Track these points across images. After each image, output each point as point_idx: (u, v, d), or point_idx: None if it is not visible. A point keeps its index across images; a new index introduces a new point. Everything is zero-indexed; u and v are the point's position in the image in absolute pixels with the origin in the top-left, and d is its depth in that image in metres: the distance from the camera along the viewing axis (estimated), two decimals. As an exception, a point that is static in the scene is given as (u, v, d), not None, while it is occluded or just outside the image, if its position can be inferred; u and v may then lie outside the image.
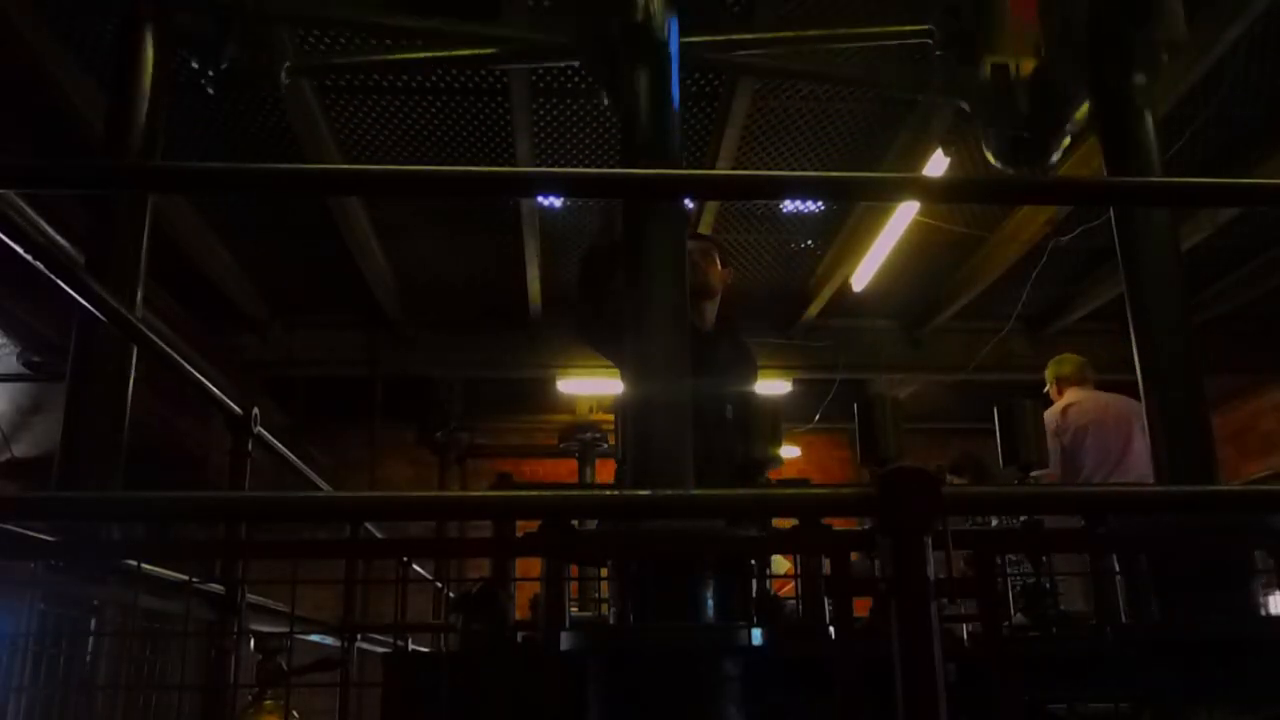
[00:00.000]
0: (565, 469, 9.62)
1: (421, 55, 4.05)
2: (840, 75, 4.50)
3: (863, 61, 4.95)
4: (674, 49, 2.59)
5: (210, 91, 3.41)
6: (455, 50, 3.91)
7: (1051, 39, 3.03)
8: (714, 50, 3.80)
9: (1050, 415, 4.83)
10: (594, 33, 2.78)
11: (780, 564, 3.39)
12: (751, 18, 4.39)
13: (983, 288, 7.27)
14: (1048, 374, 5.31)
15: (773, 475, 2.59)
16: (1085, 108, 2.95)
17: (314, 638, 3.92)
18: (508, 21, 4.08)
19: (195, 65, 3.29)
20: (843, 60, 4.82)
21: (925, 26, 3.56)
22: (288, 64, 3.56)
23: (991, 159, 3.25)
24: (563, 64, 4.95)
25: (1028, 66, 3.08)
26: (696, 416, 2.49)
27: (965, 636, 2.36)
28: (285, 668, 2.65)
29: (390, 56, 4.28)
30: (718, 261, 3.86)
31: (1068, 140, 3.14)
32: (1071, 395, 5.09)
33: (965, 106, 3.41)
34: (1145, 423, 5.29)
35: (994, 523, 3.69)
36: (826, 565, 1.73)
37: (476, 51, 3.83)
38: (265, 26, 3.38)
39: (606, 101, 2.91)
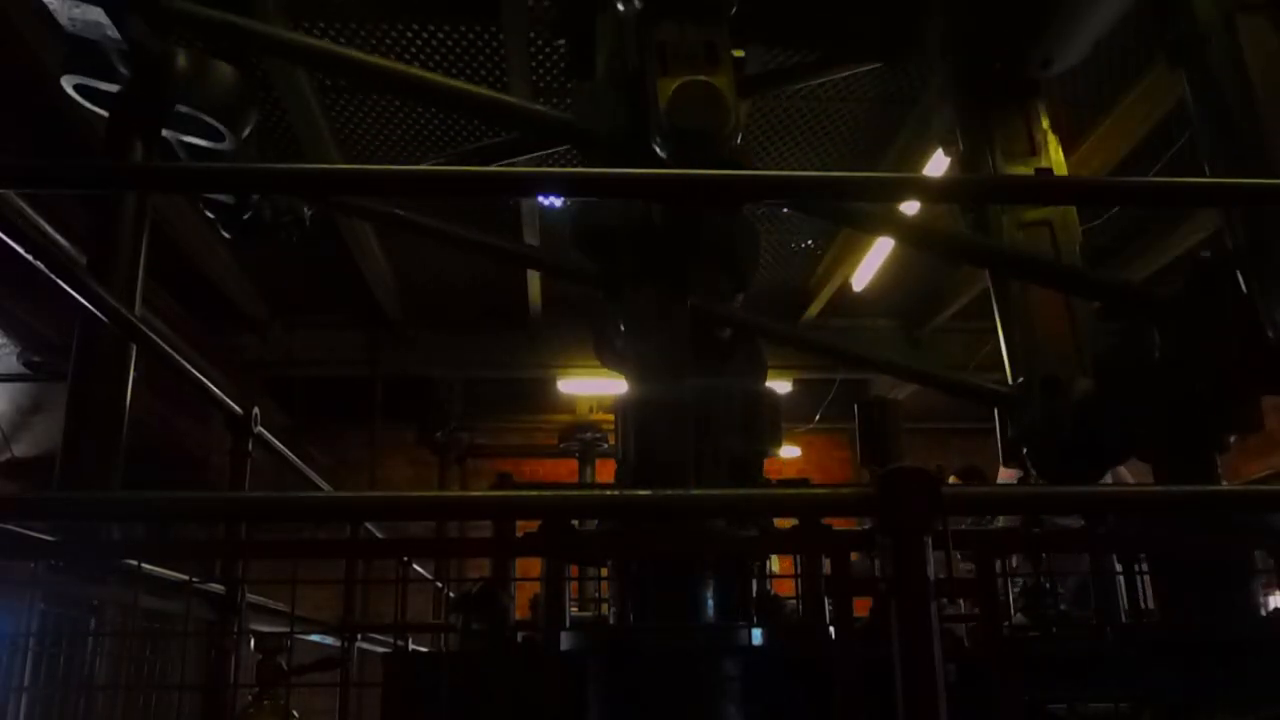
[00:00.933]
0: (565, 469, 9.62)
1: (438, 168, 4.03)
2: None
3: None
4: None
5: (227, 236, 3.41)
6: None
7: (1097, 371, 2.60)
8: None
9: None
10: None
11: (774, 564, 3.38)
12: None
13: (983, 287, 7.25)
14: None
15: (773, 476, 2.59)
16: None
17: (314, 638, 3.92)
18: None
19: (211, 215, 3.29)
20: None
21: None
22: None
23: (1030, 464, 2.87)
24: (563, 63, 4.95)
25: (1080, 387, 2.64)
26: (707, 419, 2.48)
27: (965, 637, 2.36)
28: (285, 668, 2.65)
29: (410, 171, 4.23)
30: None
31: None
32: None
33: (1002, 419, 3.05)
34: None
35: (1002, 522, 3.70)
36: (826, 565, 1.73)
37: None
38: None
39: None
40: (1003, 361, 3.08)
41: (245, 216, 3.24)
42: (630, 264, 2.37)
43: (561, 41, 4.42)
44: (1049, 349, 2.76)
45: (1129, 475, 5.23)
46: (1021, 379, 2.81)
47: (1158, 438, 2.36)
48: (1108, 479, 5.38)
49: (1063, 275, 2.69)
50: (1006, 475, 5.69)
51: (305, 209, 3.48)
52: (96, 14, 2.44)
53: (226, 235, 3.36)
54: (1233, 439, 2.31)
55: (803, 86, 5.16)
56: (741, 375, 3.68)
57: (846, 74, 4.59)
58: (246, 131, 2.79)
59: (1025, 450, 2.81)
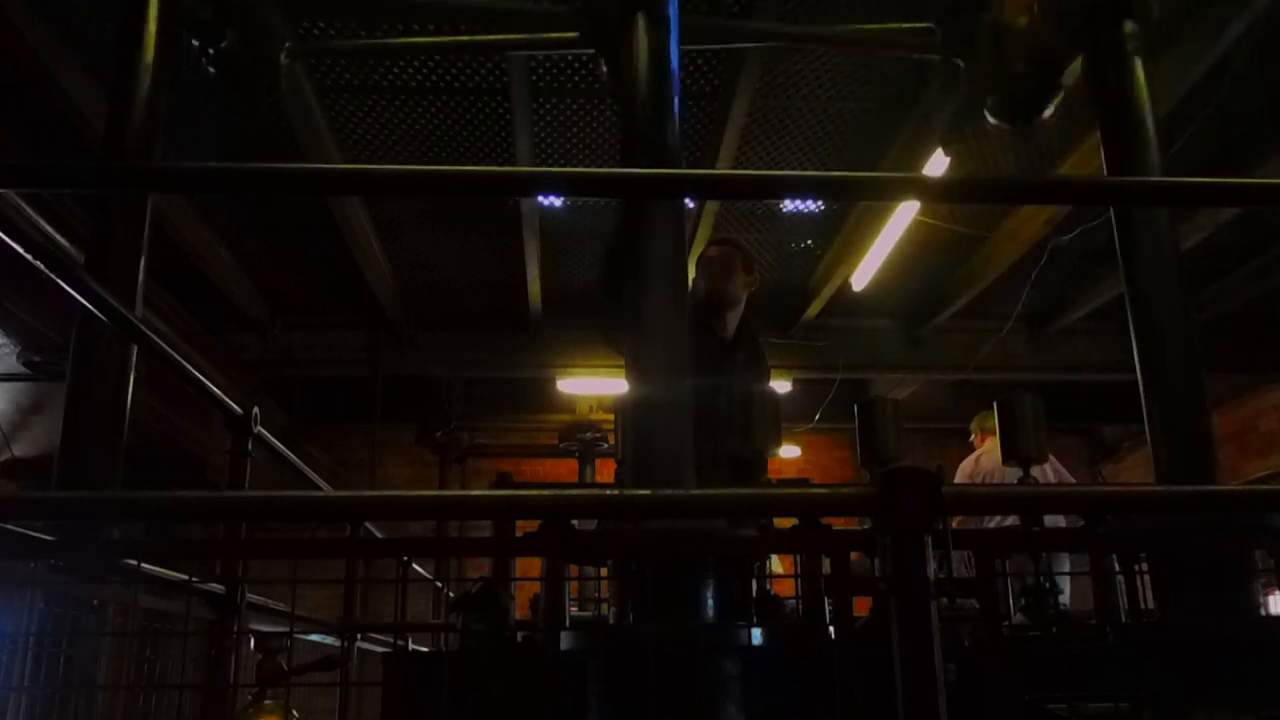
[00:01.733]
0: (565, 469, 9.62)
1: (423, 41, 4.02)
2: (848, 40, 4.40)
3: (864, 60, 4.97)
4: (673, 12, 2.60)
5: (211, 70, 3.36)
6: (458, 36, 3.90)
7: None
8: (715, 37, 3.84)
9: (967, 461, 6.21)
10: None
11: (774, 564, 3.38)
12: (751, 14, 4.40)
13: (983, 287, 7.27)
14: (973, 425, 6.46)
15: (773, 476, 2.59)
16: (1078, 63, 2.98)
17: (314, 637, 3.92)
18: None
19: (195, 44, 3.25)
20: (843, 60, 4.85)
21: (926, 24, 3.55)
22: (287, 45, 3.52)
23: (988, 116, 3.24)
24: (563, 63, 4.95)
25: (1022, 23, 3.06)
26: (709, 420, 2.47)
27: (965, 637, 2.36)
28: (285, 668, 2.65)
29: (391, 41, 4.23)
30: (740, 269, 3.79)
31: (1060, 96, 3.15)
32: (987, 445, 6.15)
33: (960, 63, 3.40)
34: (1049, 467, 5.83)
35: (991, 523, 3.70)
36: (826, 565, 1.73)
37: (479, 39, 3.84)
38: (263, 12, 3.35)
39: (605, 69, 2.88)
40: (1001, 364, 3.14)
41: (222, 44, 3.22)
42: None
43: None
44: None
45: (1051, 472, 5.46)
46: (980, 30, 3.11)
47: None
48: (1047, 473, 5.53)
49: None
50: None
51: (282, 57, 3.46)
52: None
53: (211, 70, 3.34)
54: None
55: (804, 85, 5.16)
56: (744, 374, 3.68)
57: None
58: None
59: (989, 103, 3.15)
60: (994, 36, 3.14)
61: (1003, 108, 3.18)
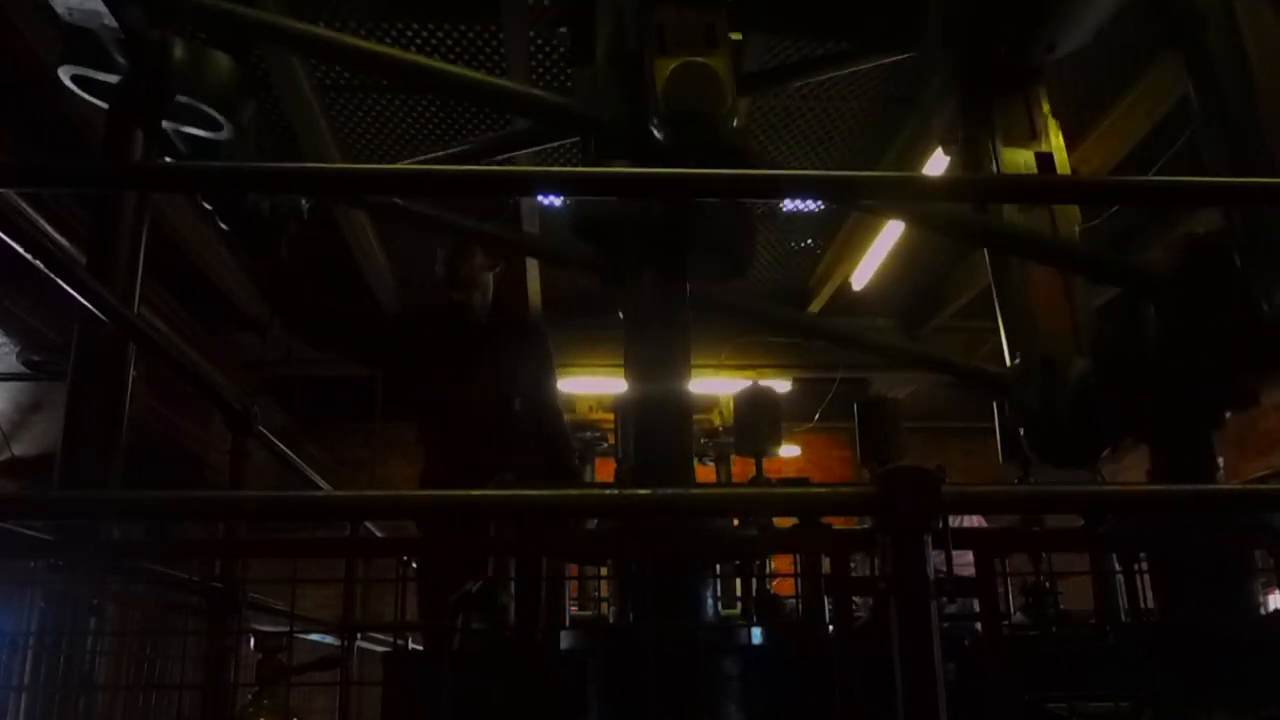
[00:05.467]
0: (565, 468, 9.58)
1: (438, 168, 4.05)
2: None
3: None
4: None
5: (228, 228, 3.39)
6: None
7: (1095, 352, 2.60)
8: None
9: None
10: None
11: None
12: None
13: (983, 287, 7.25)
14: None
15: (772, 474, 2.60)
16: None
17: (314, 637, 3.92)
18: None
19: (209, 207, 3.29)
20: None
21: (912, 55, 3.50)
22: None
23: (1026, 449, 2.85)
24: (563, 62, 4.95)
25: (1077, 367, 2.62)
26: (481, 410, 2.48)
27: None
28: (285, 667, 2.65)
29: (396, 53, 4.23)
30: (476, 249, 3.83)
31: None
32: None
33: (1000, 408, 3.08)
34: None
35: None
36: (826, 564, 1.73)
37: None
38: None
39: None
40: (1001, 364, 3.09)
41: (242, 209, 3.24)
42: (630, 251, 2.37)
43: (562, 31, 4.44)
44: (1047, 330, 2.74)
45: None
46: (1019, 360, 2.80)
47: (1155, 418, 2.34)
48: None
49: (1062, 252, 2.69)
50: None
51: (304, 201, 3.47)
52: (94, 3, 2.42)
53: (224, 227, 3.35)
54: (1228, 416, 2.32)
55: (804, 85, 5.16)
56: (516, 360, 3.73)
57: (850, 70, 4.57)
58: (245, 120, 2.79)
59: (1022, 433, 2.80)
60: (1042, 375, 2.70)
61: (1044, 453, 2.78)
